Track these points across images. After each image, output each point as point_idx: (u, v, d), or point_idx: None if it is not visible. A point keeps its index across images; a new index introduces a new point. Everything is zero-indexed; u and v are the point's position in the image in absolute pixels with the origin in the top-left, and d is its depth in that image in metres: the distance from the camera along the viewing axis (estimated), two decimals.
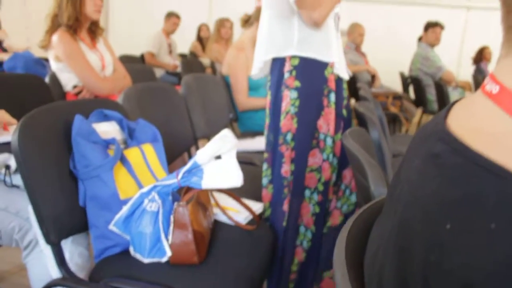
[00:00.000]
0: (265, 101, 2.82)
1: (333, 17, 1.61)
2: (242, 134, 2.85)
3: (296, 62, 1.56)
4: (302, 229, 1.67)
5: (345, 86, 1.70)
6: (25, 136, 1.10)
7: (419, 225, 0.42)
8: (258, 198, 1.67)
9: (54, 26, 2.30)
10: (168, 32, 5.41)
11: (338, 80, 1.64)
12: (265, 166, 1.69)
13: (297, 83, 1.56)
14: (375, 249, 0.50)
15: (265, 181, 1.69)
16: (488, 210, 0.38)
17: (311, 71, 1.57)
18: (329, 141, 1.60)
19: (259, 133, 2.76)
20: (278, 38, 1.59)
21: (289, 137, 1.59)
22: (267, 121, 1.69)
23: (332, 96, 1.60)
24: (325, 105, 1.58)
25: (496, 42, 0.79)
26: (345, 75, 1.67)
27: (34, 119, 1.16)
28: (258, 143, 2.50)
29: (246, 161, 2.08)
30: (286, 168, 1.60)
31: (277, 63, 1.61)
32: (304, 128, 1.58)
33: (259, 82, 2.85)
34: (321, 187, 1.63)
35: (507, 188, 0.38)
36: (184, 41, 6.02)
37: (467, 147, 0.41)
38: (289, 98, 1.57)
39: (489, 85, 0.44)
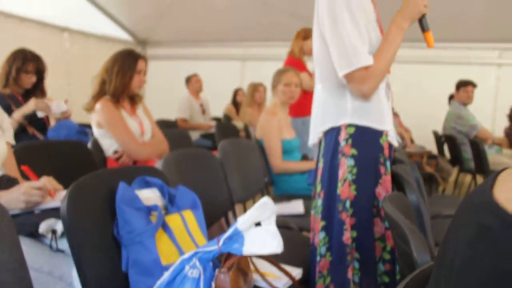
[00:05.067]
0: (299, 164, 2.87)
1: (384, 87, 1.61)
2: (278, 197, 2.84)
3: (352, 130, 1.57)
4: None
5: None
6: (73, 203, 1.16)
7: None
8: (294, 262, 1.65)
9: (100, 92, 2.44)
10: (196, 92, 5.36)
11: (390, 147, 1.64)
12: (322, 234, 1.64)
13: (353, 151, 1.56)
14: None
15: (323, 249, 1.64)
16: None
17: (367, 139, 1.57)
18: None
19: (294, 196, 2.75)
20: (333, 109, 1.61)
21: (348, 204, 1.56)
22: (319, 188, 1.66)
23: (388, 164, 1.59)
24: (383, 173, 1.58)
25: None
26: (395, 143, 1.65)
27: (81, 187, 1.22)
28: (294, 207, 2.50)
29: (281, 224, 2.07)
30: (348, 235, 1.57)
31: (333, 132, 1.62)
32: (363, 196, 1.56)
33: (293, 145, 2.88)
34: (387, 256, 1.58)
35: None
36: (218, 106, 6.15)
37: None
38: (346, 166, 1.57)
39: None
